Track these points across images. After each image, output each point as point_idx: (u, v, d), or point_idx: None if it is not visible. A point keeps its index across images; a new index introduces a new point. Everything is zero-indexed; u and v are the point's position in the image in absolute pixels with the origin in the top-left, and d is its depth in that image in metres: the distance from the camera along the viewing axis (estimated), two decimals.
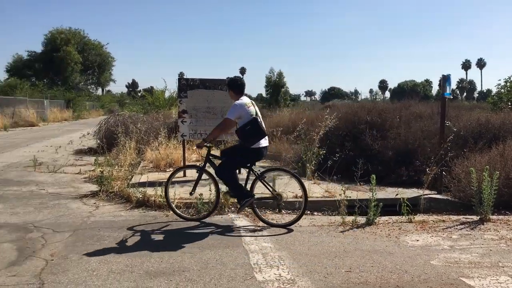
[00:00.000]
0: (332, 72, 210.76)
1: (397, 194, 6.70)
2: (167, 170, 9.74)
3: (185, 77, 9.85)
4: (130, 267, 4.36)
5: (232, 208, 6.70)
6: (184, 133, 9.09)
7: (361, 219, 6.06)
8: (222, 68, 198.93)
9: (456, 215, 6.65)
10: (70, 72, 55.82)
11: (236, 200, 6.37)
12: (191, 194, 6.37)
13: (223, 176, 5.95)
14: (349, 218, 6.10)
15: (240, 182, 5.98)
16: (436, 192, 7.53)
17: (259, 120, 5.92)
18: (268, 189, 6.04)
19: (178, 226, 5.88)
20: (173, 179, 6.56)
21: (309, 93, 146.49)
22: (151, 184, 7.66)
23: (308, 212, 6.76)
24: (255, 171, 5.96)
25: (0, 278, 4.10)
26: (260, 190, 6.25)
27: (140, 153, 12.19)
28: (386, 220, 6.23)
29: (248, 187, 6.04)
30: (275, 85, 44.09)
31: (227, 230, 5.74)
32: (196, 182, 6.31)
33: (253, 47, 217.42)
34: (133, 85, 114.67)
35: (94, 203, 7.21)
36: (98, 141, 14.09)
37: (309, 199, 6.95)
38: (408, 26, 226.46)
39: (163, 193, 6.51)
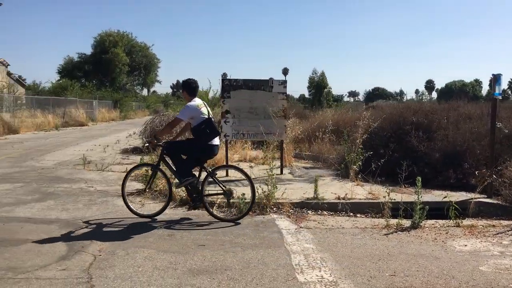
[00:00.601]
0: (376, 72, 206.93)
1: (445, 197, 6.49)
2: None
3: (228, 77, 9.96)
4: (174, 265, 4.45)
5: (274, 209, 6.70)
6: (227, 133, 9.18)
7: (406, 222, 5.92)
8: (264, 69, 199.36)
9: (507, 220, 6.38)
10: (118, 73, 57.63)
11: (271, 203, 6.71)
12: (145, 191, 6.70)
13: (183, 176, 6.26)
14: (393, 221, 5.97)
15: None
16: (485, 196, 7.24)
17: (213, 120, 6.39)
18: (219, 185, 6.34)
19: (220, 225, 5.94)
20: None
21: (352, 94, 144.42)
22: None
23: (351, 214, 6.69)
24: (207, 168, 6.33)
25: (51, 272, 4.28)
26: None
27: None
28: (432, 224, 6.06)
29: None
30: (318, 86, 43.81)
31: (268, 230, 5.74)
32: (150, 179, 6.78)
33: (296, 48, 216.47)
34: (177, 86, 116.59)
35: (140, 201, 7.40)
36: (144, 141, 14.47)
37: (351, 201, 6.90)
38: (457, 25, 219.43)
39: (122, 190, 6.43)
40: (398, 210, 6.13)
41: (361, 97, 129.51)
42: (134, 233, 5.58)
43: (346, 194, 7.10)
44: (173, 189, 6.74)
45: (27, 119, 25.98)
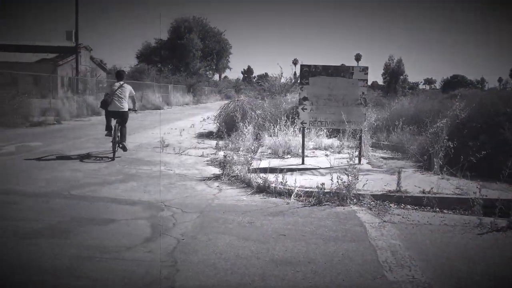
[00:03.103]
0: (454, 59, 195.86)
1: None
2: (285, 157, 9.75)
3: (301, 63, 9.74)
4: (256, 254, 4.39)
5: (354, 200, 6.45)
6: (304, 120, 8.99)
7: (502, 222, 5.45)
8: (335, 55, 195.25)
9: None
10: (191, 58, 58.98)
11: (351, 194, 6.53)
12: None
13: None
14: (487, 220, 5.51)
15: None
16: None
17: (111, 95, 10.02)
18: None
19: (299, 215, 5.81)
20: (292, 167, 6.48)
21: (428, 81, 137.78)
22: (272, 170, 7.71)
23: (437, 209, 6.28)
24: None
25: (138, 253, 4.37)
26: None
27: (257, 138, 12.41)
28: None
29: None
30: (394, 73, 42.25)
31: (350, 222, 5.53)
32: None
33: (369, 33, 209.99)
34: (248, 72, 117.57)
35: (217, 186, 7.45)
36: (218, 126, 14.66)
37: (438, 195, 6.51)
38: None
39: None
40: (489, 207, 5.66)
41: (437, 85, 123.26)
42: (215, 218, 5.60)
43: (431, 188, 6.68)
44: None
45: None
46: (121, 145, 10.05)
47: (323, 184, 6.50)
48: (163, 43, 59.72)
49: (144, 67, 46.25)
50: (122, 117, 10.03)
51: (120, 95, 9.96)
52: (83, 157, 9.88)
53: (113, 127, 9.76)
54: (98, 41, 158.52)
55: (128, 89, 10.24)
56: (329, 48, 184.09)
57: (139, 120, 21.14)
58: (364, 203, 6.37)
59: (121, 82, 10.30)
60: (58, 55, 41.91)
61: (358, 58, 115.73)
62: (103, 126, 10.30)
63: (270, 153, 10.32)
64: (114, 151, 9.80)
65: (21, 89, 18.44)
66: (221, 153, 10.25)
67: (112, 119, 9.97)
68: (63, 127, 17.34)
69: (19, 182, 7.34)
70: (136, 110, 11.43)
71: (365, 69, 8.91)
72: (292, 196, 6.65)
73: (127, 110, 10.21)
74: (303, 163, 8.93)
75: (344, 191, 6.49)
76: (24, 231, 4.96)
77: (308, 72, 8.94)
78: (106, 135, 10.02)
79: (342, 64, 8.96)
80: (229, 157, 8.73)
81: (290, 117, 11.96)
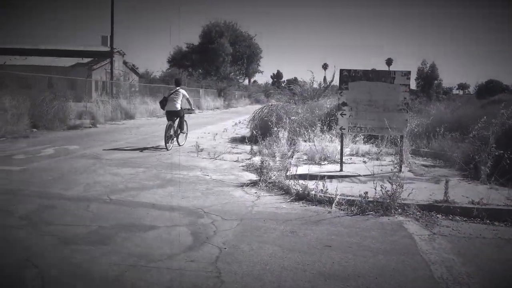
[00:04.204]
0: (490, 63, 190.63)
1: None
2: (322, 163, 9.55)
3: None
4: (302, 266, 4.23)
5: (399, 210, 6.19)
6: (342, 126, 8.78)
7: None
8: (366, 59, 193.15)
9: None
10: (221, 62, 59.31)
11: (396, 203, 6.27)
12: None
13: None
14: None
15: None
16: None
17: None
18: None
19: (343, 225, 5.61)
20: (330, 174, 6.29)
21: (462, 86, 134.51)
22: (311, 177, 7.52)
23: (488, 221, 5.96)
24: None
25: (180, 262, 4.27)
26: None
27: (292, 144, 12.23)
28: None
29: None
30: (427, 78, 41.40)
31: (397, 234, 5.30)
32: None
33: (400, 37, 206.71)
34: (277, 76, 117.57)
35: (255, 192, 7.31)
36: (251, 130, 14.54)
37: (488, 206, 6.19)
38: None
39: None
40: None
41: (471, 90, 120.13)
42: (256, 227, 5.46)
43: (481, 199, 6.36)
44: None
45: (140, 106, 27.56)
46: (176, 136, 12.64)
47: (366, 192, 6.28)
48: (194, 48, 60.28)
49: (175, 71, 46.73)
50: (176, 115, 12.52)
51: (174, 98, 12.43)
52: (120, 161, 9.93)
53: (169, 124, 12.19)
54: (131, 46, 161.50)
55: (181, 92, 12.60)
56: (358, 53, 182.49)
57: None
58: (410, 213, 6.11)
59: (177, 88, 12.73)
60: (93, 60, 42.83)
61: (389, 62, 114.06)
62: (137, 130, 11.05)
63: (306, 159, 10.13)
64: (166, 143, 11.93)
65: (58, 93, 18.79)
66: (256, 158, 10.13)
67: (170, 118, 12.43)
68: (99, 130, 17.58)
69: (59, 186, 7.39)
70: (192, 110, 13.60)
71: (407, 74, 8.63)
72: (333, 204, 6.45)
73: (179, 109, 12.51)
74: (341, 169, 8.71)
75: (388, 200, 6.25)
76: (66, 236, 4.95)
77: (347, 77, 8.72)
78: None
79: (373, 69, 8.69)
80: (265, 162, 8.59)
81: (326, 122, 11.75)
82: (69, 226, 5.31)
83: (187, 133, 13.60)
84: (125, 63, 46.33)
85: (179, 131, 12.67)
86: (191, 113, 14.60)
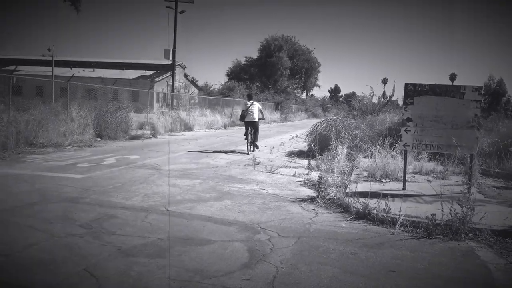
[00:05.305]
0: None
1: None
2: (384, 181, 9.15)
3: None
4: None
5: (470, 235, 5.74)
6: (407, 142, 8.37)
7: None
8: (428, 74, 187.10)
9: None
10: (279, 76, 59.53)
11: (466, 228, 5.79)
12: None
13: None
14: None
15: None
16: None
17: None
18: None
19: (407, 249, 5.26)
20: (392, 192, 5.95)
21: None
22: (373, 195, 7.19)
23: None
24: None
25: (236, 280, 4.13)
26: None
27: (351, 159, 11.88)
28: None
29: None
30: (495, 94, 39.39)
31: (469, 261, 4.89)
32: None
33: (464, 50, 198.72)
34: (335, 90, 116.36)
35: (313, 209, 7.08)
36: (309, 144, 14.29)
37: None
38: None
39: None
40: None
41: None
42: (314, 246, 5.23)
43: None
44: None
45: (198, 117, 28.06)
46: (254, 145, 14.61)
47: (433, 214, 5.88)
48: (253, 61, 60.96)
49: (234, 84, 47.36)
50: (254, 125, 14.62)
51: (251, 110, 14.54)
52: (180, 172, 10.02)
53: (248, 133, 14.49)
54: (192, 59, 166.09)
55: (256, 105, 14.78)
56: (419, 68, 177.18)
57: (229, 136, 21.45)
58: (482, 239, 5.64)
59: (252, 101, 14.85)
60: (155, 72, 44.32)
61: (453, 77, 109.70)
62: (195, 141, 11.49)
63: (366, 176, 9.76)
64: (248, 149, 14.36)
65: (122, 104, 19.47)
66: (314, 174, 9.88)
67: (249, 127, 14.51)
68: (158, 141, 17.98)
69: (119, 195, 7.51)
70: (264, 119, 15.87)
71: (478, 89, 8.11)
72: (397, 225, 6.09)
73: (257, 120, 14.65)
74: (404, 188, 8.30)
75: (457, 224, 5.81)
76: (125, 247, 4.95)
77: (412, 91, 8.33)
78: (245, 138, 14.77)
79: (435, 83, 8.26)
80: (324, 178, 8.34)
81: (388, 138, 11.31)
82: (127, 236, 5.33)
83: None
84: (185, 76, 47.60)
85: (253, 140, 14.63)
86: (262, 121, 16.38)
